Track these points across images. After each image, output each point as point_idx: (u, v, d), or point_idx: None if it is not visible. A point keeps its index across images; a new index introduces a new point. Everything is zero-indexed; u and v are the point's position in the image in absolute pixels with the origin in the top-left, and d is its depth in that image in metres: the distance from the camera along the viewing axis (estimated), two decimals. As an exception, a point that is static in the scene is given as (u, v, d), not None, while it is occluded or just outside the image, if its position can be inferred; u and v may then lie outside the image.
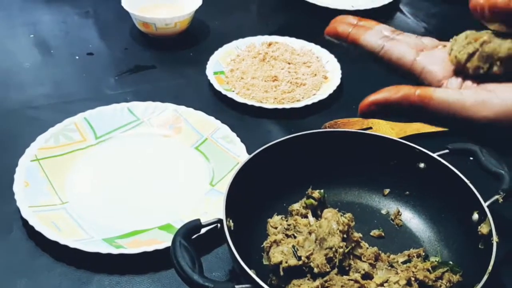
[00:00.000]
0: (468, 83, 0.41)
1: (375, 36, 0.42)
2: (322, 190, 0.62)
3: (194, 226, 0.55)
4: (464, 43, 0.40)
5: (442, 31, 1.07)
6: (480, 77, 0.41)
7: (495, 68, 0.39)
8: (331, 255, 0.54)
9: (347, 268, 0.55)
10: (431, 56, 0.42)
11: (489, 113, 0.37)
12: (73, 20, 1.05)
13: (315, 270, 0.54)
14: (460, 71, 0.41)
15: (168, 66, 0.94)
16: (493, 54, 0.39)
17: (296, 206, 0.63)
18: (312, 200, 0.62)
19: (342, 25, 0.44)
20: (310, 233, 0.57)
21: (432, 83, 0.41)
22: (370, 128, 0.79)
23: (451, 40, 0.43)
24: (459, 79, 0.41)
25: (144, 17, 0.94)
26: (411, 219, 0.64)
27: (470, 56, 0.39)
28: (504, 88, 0.38)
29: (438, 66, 0.41)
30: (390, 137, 0.66)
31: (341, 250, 0.54)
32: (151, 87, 0.88)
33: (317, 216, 0.61)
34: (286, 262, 0.55)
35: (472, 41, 0.39)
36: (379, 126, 0.79)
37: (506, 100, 0.37)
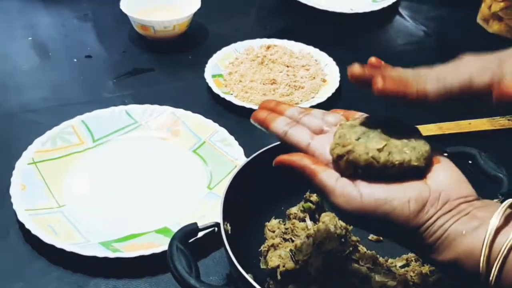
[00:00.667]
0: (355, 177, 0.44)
1: (282, 123, 0.48)
2: None
3: (191, 229, 0.55)
4: (337, 141, 0.43)
5: (441, 34, 1.07)
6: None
7: (359, 171, 0.41)
8: (329, 259, 0.53)
9: (345, 272, 0.54)
10: (324, 139, 0.46)
11: (349, 207, 0.41)
12: (72, 23, 1.05)
13: (313, 274, 0.54)
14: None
15: (166, 69, 0.93)
16: (355, 162, 0.41)
17: (294, 209, 0.63)
18: (310, 204, 0.62)
19: (261, 112, 0.50)
20: (307, 237, 0.56)
21: (322, 164, 0.45)
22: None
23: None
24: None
25: (142, 20, 0.94)
26: (410, 223, 0.64)
27: (339, 157, 0.42)
28: (367, 185, 0.41)
29: (327, 150, 0.45)
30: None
31: (338, 254, 0.53)
32: (149, 90, 0.88)
33: (315, 220, 0.61)
34: (284, 266, 0.55)
35: (341, 145, 0.42)
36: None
37: (363, 196, 0.40)
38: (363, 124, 0.45)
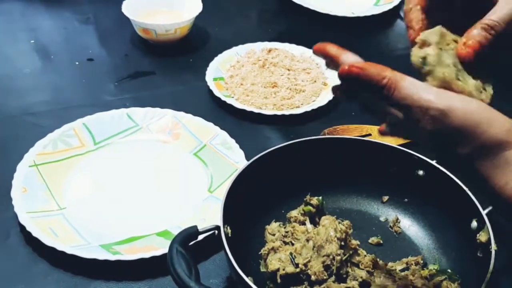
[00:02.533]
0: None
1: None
2: (320, 197, 0.62)
3: (191, 232, 0.55)
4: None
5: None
6: None
7: None
8: (329, 263, 0.53)
9: (344, 276, 0.54)
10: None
11: (452, 101, 0.40)
12: (74, 26, 1.05)
13: (313, 277, 0.54)
14: None
15: (167, 72, 0.94)
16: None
17: (294, 213, 0.63)
18: (310, 207, 0.62)
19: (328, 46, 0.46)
20: (307, 240, 0.56)
21: None
22: (370, 135, 0.79)
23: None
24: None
25: (144, 23, 0.94)
26: (410, 227, 0.64)
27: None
28: (470, 100, 0.41)
29: None
30: (389, 144, 0.65)
31: (338, 257, 0.53)
32: (150, 93, 0.88)
33: (315, 223, 0.61)
34: (284, 270, 0.55)
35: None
36: (378, 132, 0.79)
37: (468, 108, 0.40)
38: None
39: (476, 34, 0.44)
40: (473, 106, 0.40)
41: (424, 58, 0.43)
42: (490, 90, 0.45)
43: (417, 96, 0.40)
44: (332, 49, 0.46)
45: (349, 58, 0.44)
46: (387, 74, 0.41)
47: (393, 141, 0.76)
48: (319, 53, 0.47)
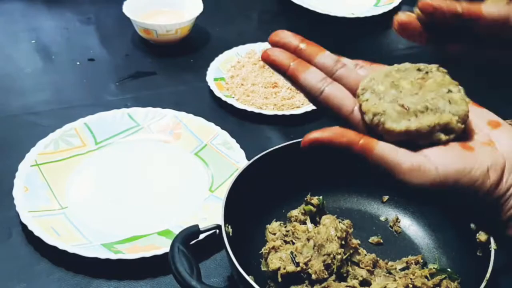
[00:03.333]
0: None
1: (316, 77, 0.39)
2: (321, 197, 0.63)
3: (192, 232, 0.56)
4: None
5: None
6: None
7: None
8: (329, 262, 0.54)
9: (345, 275, 0.55)
10: None
11: (424, 181, 0.36)
12: (75, 26, 1.05)
13: (313, 276, 0.54)
14: None
15: (168, 72, 0.94)
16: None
17: (294, 212, 0.63)
18: (311, 207, 0.62)
19: (279, 53, 0.40)
20: (308, 239, 0.57)
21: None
22: (370, 135, 0.79)
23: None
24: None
25: (145, 23, 0.94)
26: (410, 226, 0.64)
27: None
28: (439, 153, 0.37)
29: None
30: (389, 144, 0.65)
31: (339, 256, 0.54)
32: (151, 93, 0.88)
33: (315, 223, 0.62)
34: (284, 269, 0.55)
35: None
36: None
37: (439, 169, 0.36)
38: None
39: None
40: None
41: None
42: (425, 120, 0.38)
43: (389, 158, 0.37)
44: (283, 59, 0.40)
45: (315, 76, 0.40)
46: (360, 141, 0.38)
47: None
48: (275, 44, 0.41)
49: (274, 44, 0.41)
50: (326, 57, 0.41)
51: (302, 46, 0.41)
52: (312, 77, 0.39)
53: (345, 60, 0.42)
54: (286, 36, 0.41)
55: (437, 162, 0.36)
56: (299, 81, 0.40)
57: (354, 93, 0.40)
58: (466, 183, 0.36)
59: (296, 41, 0.41)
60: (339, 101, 0.39)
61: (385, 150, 0.37)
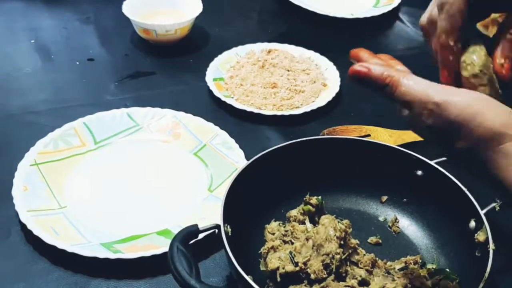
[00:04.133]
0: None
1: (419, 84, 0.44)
2: (319, 197, 0.63)
3: (191, 231, 0.56)
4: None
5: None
6: None
7: None
8: (328, 261, 0.54)
9: (343, 275, 0.55)
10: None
11: (450, 114, 0.40)
12: (74, 25, 1.05)
13: (312, 276, 0.54)
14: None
15: (168, 72, 0.94)
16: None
17: (293, 212, 0.63)
18: (310, 207, 0.62)
19: (373, 65, 0.46)
20: (307, 239, 0.57)
21: None
22: (369, 135, 0.79)
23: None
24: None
25: (144, 23, 0.94)
26: (409, 226, 0.64)
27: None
28: (466, 93, 0.41)
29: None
30: (388, 144, 0.66)
31: (338, 256, 0.54)
32: (151, 93, 0.88)
33: (314, 223, 0.62)
34: (283, 268, 0.55)
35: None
36: (377, 133, 0.80)
37: (464, 101, 0.40)
38: None
39: (509, 52, 0.45)
40: (470, 98, 0.41)
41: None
42: None
43: (417, 91, 0.42)
44: (364, 54, 0.48)
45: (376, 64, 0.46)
46: (390, 73, 0.43)
47: (391, 141, 0.77)
48: (354, 59, 0.49)
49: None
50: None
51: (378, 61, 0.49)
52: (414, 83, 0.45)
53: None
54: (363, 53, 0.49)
55: (464, 96, 0.41)
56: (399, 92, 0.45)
57: None
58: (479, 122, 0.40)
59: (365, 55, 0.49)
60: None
61: (414, 82, 0.43)
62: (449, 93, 0.41)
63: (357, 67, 0.44)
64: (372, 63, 0.45)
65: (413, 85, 0.42)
